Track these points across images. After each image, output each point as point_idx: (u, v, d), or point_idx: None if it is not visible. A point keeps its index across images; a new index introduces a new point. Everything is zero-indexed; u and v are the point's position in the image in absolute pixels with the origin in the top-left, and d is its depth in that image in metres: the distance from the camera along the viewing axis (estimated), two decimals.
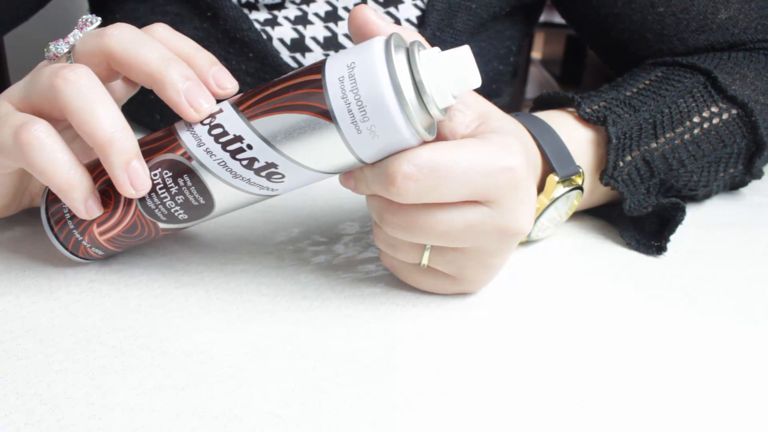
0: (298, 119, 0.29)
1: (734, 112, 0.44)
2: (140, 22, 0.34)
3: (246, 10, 0.51)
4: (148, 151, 0.32)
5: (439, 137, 0.32)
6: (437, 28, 0.52)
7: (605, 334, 0.33)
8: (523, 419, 0.27)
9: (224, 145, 0.30)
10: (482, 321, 0.34)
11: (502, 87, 0.63)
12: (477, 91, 0.34)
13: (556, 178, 0.38)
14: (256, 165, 0.30)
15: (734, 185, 0.50)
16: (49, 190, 0.35)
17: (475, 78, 0.29)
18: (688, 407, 0.28)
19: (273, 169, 0.30)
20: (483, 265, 0.33)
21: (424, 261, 0.33)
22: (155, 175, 0.31)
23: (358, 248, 0.40)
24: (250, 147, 0.30)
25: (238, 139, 0.30)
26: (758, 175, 0.48)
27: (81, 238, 0.34)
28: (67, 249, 0.35)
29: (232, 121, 0.30)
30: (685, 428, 0.27)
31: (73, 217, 0.34)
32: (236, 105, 0.30)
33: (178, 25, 0.50)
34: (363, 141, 0.28)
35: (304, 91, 0.28)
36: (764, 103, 0.45)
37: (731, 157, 0.45)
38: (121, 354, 0.30)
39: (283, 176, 0.30)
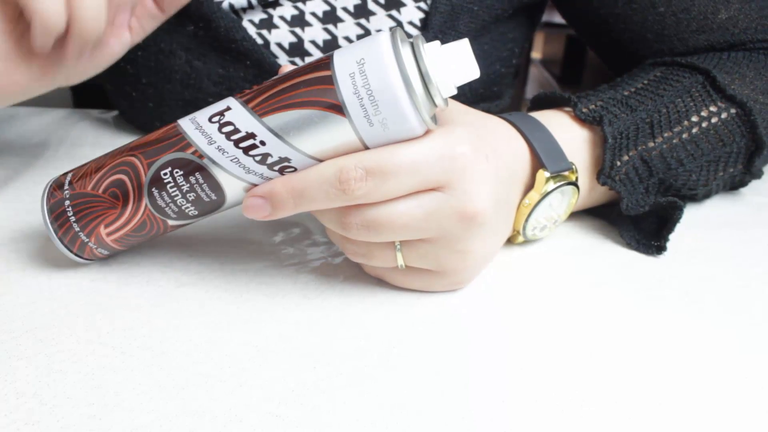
0: (312, 115, 0.29)
1: (733, 111, 0.44)
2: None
3: (241, 12, 0.51)
4: (155, 150, 0.32)
5: None
6: (440, 30, 0.52)
7: (605, 335, 0.33)
8: (523, 419, 0.27)
9: (236, 143, 0.31)
10: (482, 321, 0.34)
11: (504, 89, 0.63)
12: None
13: (546, 174, 0.38)
14: (270, 160, 0.31)
15: (734, 185, 0.50)
16: (48, 192, 0.35)
17: (474, 69, 0.31)
18: (688, 407, 0.28)
19: (286, 163, 0.31)
20: (455, 252, 0.33)
21: (400, 261, 0.34)
22: (165, 173, 0.32)
23: None
24: (263, 143, 0.30)
25: (251, 135, 0.30)
26: (758, 174, 0.48)
27: (87, 239, 0.34)
28: (72, 251, 0.35)
29: (243, 119, 0.30)
30: (685, 428, 0.27)
31: (79, 219, 0.34)
32: (245, 102, 0.31)
33: (172, 33, 0.50)
34: (374, 132, 0.30)
35: (316, 88, 0.29)
36: (763, 103, 0.45)
37: (730, 157, 0.45)
38: (121, 354, 0.30)
39: (296, 169, 0.31)
